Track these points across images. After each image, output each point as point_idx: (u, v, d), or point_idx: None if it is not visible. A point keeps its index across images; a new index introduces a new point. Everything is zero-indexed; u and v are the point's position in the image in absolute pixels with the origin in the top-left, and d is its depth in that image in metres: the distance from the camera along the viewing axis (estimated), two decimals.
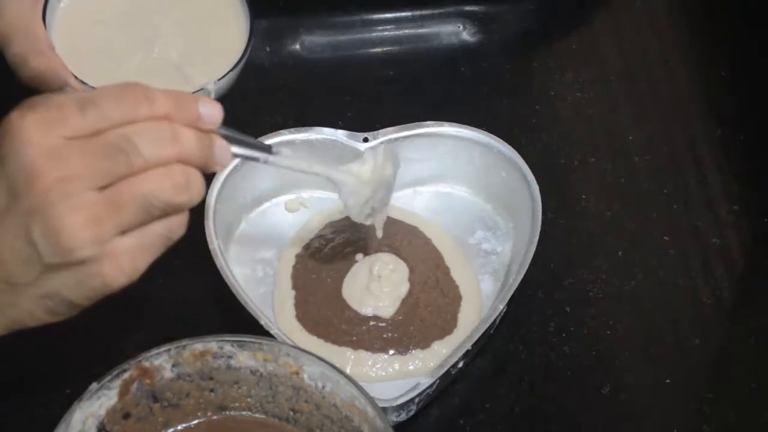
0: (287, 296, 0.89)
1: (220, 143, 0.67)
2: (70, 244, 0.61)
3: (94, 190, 0.62)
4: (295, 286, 0.89)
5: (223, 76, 0.86)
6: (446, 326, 0.88)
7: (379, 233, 0.87)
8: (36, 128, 0.61)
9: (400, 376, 0.86)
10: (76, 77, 0.82)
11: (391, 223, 0.92)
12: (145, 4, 0.90)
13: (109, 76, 0.86)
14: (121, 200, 0.62)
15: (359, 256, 0.90)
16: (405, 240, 0.91)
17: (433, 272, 0.90)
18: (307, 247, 0.91)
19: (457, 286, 0.90)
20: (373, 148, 0.89)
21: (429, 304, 0.88)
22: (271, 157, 0.73)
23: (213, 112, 0.66)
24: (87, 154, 0.62)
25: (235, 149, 0.69)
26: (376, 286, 0.88)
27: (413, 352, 0.86)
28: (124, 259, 0.63)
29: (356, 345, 0.86)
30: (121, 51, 0.88)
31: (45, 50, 0.80)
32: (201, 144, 0.65)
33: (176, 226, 0.65)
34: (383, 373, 0.86)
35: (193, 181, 0.64)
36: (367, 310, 0.87)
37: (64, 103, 0.63)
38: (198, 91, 0.85)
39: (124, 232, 0.63)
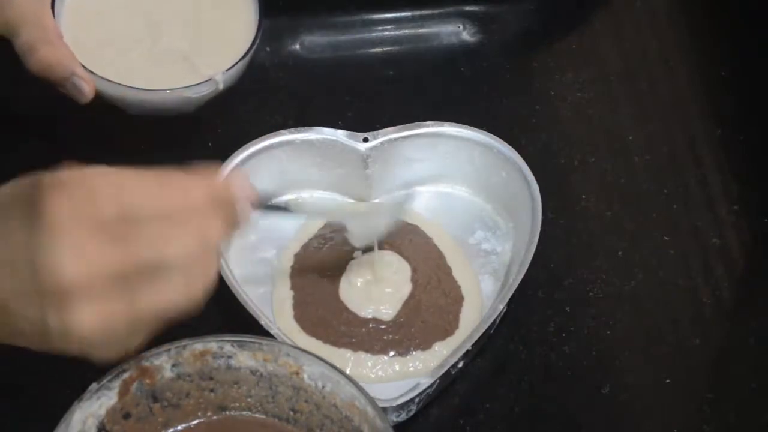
0: (286, 297, 0.89)
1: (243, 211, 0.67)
2: (82, 341, 0.61)
3: (115, 293, 0.61)
4: (293, 287, 0.89)
5: (232, 67, 0.86)
6: (448, 327, 0.88)
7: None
8: (69, 220, 0.60)
9: (400, 377, 0.86)
10: (84, 67, 0.82)
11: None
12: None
13: (117, 65, 0.86)
14: (139, 311, 0.62)
15: (357, 254, 0.90)
16: (406, 239, 0.91)
17: (434, 272, 0.90)
18: (305, 246, 0.91)
19: (458, 286, 0.90)
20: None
21: (431, 305, 0.88)
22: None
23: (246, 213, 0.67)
24: (116, 262, 0.61)
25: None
26: (378, 288, 0.88)
27: (414, 353, 0.86)
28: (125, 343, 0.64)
29: (356, 347, 0.86)
30: (129, 41, 0.88)
31: (53, 40, 0.80)
32: (227, 234, 0.66)
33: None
34: (382, 374, 0.86)
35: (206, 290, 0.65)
36: (367, 313, 0.87)
37: (96, 189, 0.61)
38: (206, 81, 0.85)
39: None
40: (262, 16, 0.89)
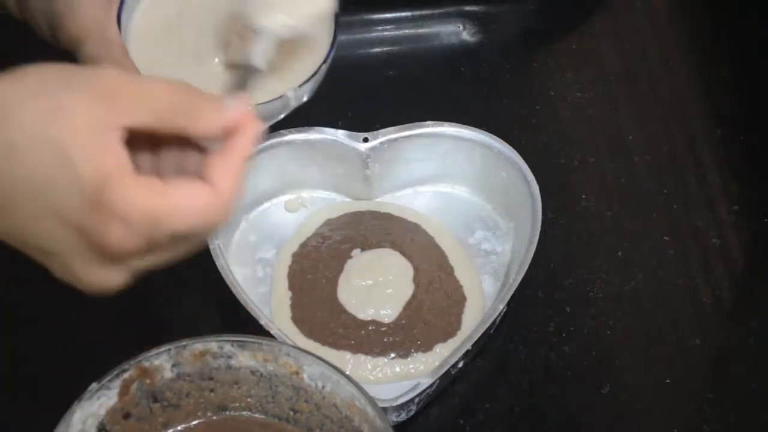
0: (284, 297, 0.89)
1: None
2: None
3: None
4: (291, 287, 0.89)
5: (305, 83, 0.81)
6: (450, 329, 0.87)
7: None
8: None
9: (400, 378, 0.85)
10: None
11: (392, 220, 0.92)
12: (221, 8, 0.86)
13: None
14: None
15: (356, 252, 0.89)
16: (408, 237, 0.91)
17: (437, 272, 0.89)
18: (303, 245, 0.91)
19: (460, 287, 0.89)
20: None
21: (433, 307, 0.88)
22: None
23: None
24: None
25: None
26: (378, 289, 0.87)
27: (415, 355, 0.86)
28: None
29: (355, 349, 0.86)
30: (196, 58, 0.84)
31: (118, 55, 0.78)
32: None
33: None
34: (380, 376, 0.85)
35: None
36: (366, 315, 0.87)
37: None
38: (278, 98, 0.80)
39: None
40: (337, 30, 0.83)
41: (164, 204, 0.60)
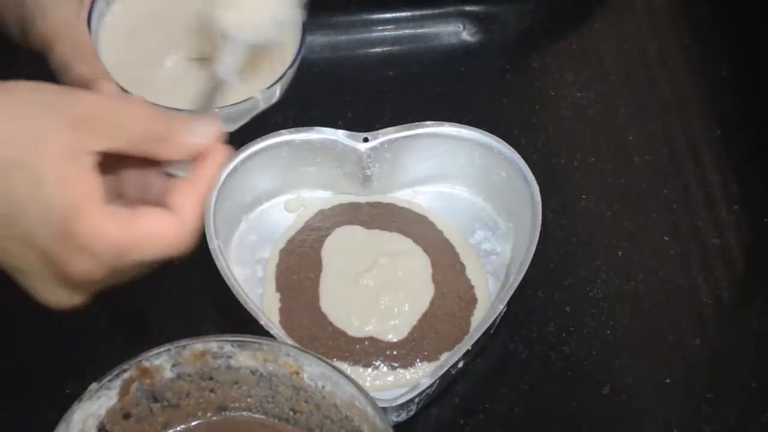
0: (273, 300, 0.87)
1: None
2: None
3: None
4: (278, 289, 0.87)
5: (272, 85, 0.82)
6: (459, 335, 0.86)
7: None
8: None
9: (401, 385, 0.84)
10: (119, 86, 0.80)
11: (396, 209, 0.90)
12: (191, 11, 0.86)
13: (153, 85, 0.83)
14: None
15: (353, 230, 0.88)
16: (417, 228, 0.89)
17: (450, 271, 0.88)
18: (291, 240, 0.90)
19: (471, 287, 0.88)
20: None
21: (446, 313, 0.86)
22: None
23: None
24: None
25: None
26: (393, 299, 0.86)
27: (420, 364, 0.85)
28: None
29: (352, 361, 0.84)
30: (166, 60, 0.84)
31: (88, 57, 0.78)
32: None
33: None
34: (379, 384, 0.84)
35: None
36: (362, 332, 0.85)
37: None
38: (246, 100, 0.81)
39: None
40: (305, 31, 0.83)
41: (130, 236, 0.62)
